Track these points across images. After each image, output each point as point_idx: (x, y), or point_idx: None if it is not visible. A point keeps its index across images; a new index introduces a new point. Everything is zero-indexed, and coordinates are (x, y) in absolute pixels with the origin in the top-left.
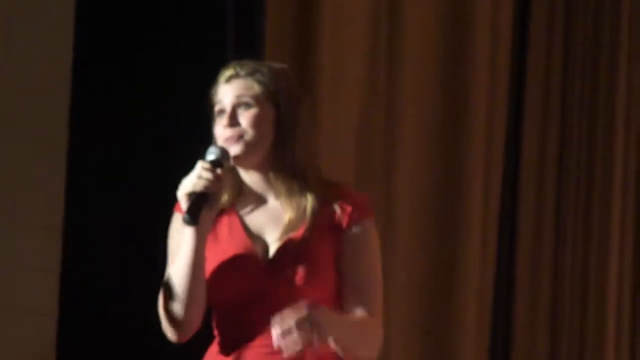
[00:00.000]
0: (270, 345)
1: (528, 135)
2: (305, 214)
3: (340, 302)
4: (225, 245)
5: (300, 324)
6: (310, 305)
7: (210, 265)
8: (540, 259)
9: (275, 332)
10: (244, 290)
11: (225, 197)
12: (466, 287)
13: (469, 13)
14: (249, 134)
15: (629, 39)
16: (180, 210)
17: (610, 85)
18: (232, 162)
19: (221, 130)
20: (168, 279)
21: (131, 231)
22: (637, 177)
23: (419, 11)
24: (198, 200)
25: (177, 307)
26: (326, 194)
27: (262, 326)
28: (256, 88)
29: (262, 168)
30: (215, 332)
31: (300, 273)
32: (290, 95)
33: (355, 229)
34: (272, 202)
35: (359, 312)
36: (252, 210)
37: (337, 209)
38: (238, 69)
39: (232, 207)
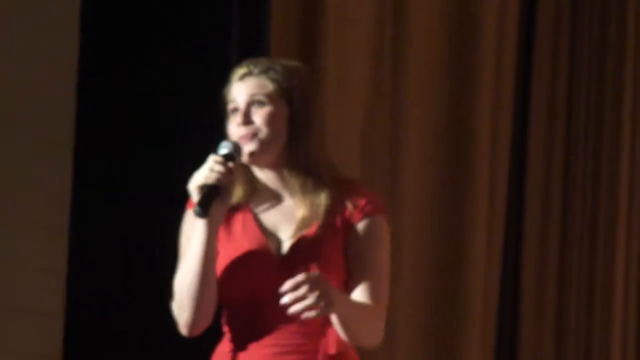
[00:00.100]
0: (281, 345)
1: (534, 137)
2: (319, 212)
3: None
4: (238, 241)
5: (312, 285)
6: (323, 276)
7: (223, 261)
8: (547, 260)
9: (287, 285)
10: (256, 287)
11: (239, 194)
12: (472, 288)
13: (474, 14)
14: (263, 132)
15: (635, 39)
16: (192, 206)
17: (617, 85)
18: (246, 160)
19: (235, 129)
20: (179, 273)
21: (137, 231)
22: None
23: (423, 12)
24: (210, 193)
25: (189, 299)
26: (340, 191)
27: (273, 325)
28: (269, 86)
29: (276, 166)
30: (225, 330)
31: (313, 270)
32: (303, 92)
33: (366, 222)
34: (287, 199)
35: (364, 300)
36: (267, 207)
37: (350, 205)
38: (251, 67)
39: (246, 204)
